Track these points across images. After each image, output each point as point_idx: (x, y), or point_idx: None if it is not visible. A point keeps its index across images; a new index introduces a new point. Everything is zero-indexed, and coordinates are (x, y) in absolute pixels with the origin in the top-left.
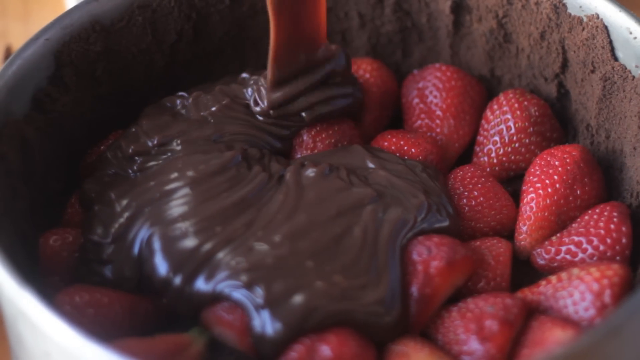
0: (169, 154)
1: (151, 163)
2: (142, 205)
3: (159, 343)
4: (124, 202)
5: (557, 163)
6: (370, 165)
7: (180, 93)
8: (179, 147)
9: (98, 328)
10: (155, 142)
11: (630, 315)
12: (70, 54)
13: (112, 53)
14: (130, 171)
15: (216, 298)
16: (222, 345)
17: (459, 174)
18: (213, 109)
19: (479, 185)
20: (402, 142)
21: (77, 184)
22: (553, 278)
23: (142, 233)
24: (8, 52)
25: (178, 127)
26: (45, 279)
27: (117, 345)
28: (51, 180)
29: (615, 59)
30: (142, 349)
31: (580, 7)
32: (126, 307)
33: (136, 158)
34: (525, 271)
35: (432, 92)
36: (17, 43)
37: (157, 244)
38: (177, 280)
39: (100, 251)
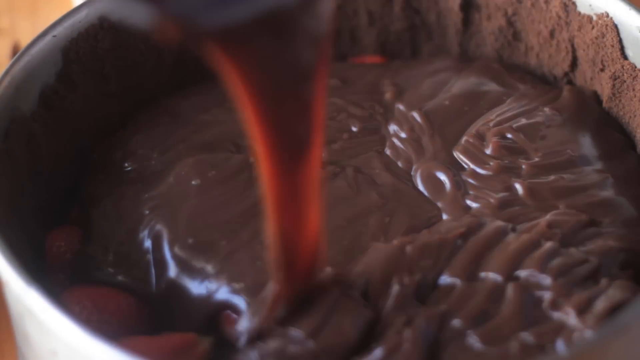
0: (173, 158)
1: (152, 167)
2: (145, 215)
3: (165, 341)
4: (124, 212)
5: None
6: (378, 164)
7: (178, 95)
8: (182, 152)
9: (104, 326)
10: (156, 155)
11: (638, 314)
12: (78, 50)
13: (120, 50)
14: (129, 175)
15: (218, 308)
16: (228, 343)
17: None
18: (213, 111)
19: None
20: None
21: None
22: None
23: (146, 244)
24: (16, 49)
25: (178, 133)
26: (52, 277)
27: (124, 343)
28: (58, 177)
29: (625, 57)
30: (149, 347)
31: (590, 5)
32: (132, 305)
33: (135, 167)
34: None
35: None
36: (25, 39)
37: (163, 254)
38: (179, 289)
39: (98, 264)
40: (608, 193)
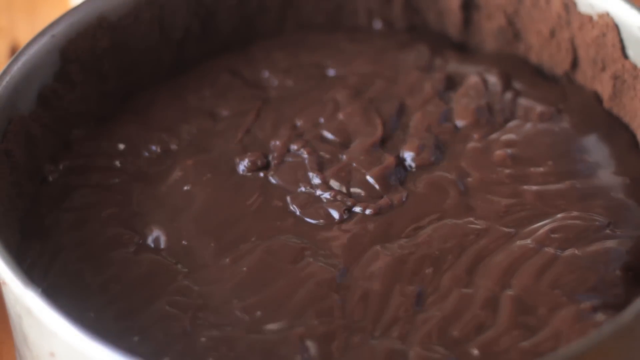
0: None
1: (151, 166)
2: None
3: None
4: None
5: None
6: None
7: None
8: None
9: None
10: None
11: (639, 314)
12: (76, 50)
13: (119, 49)
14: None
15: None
16: None
17: None
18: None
19: None
20: None
21: None
22: None
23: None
24: (14, 48)
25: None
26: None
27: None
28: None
29: (626, 57)
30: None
31: (591, 5)
32: None
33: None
34: None
35: None
36: (23, 39)
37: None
38: None
39: None
40: (623, 195)
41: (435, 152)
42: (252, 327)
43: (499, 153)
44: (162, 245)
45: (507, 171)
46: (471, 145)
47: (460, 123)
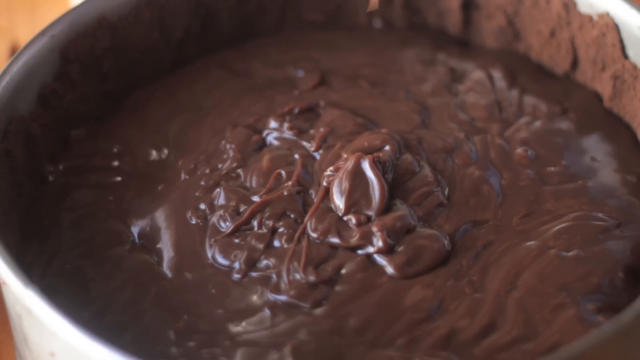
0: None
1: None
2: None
3: None
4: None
5: None
6: None
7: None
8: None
9: None
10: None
11: (639, 315)
12: (76, 50)
13: (119, 49)
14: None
15: None
16: None
17: None
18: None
19: None
20: None
21: None
22: None
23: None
24: (14, 48)
25: None
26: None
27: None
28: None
29: (626, 57)
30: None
31: (591, 5)
32: None
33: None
34: None
35: None
36: (23, 39)
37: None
38: None
39: None
40: (630, 194)
41: (471, 147)
42: (239, 337)
43: (519, 152)
44: (152, 245)
45: (529, 171)
46: (495, 141)
47: (473, 117)
